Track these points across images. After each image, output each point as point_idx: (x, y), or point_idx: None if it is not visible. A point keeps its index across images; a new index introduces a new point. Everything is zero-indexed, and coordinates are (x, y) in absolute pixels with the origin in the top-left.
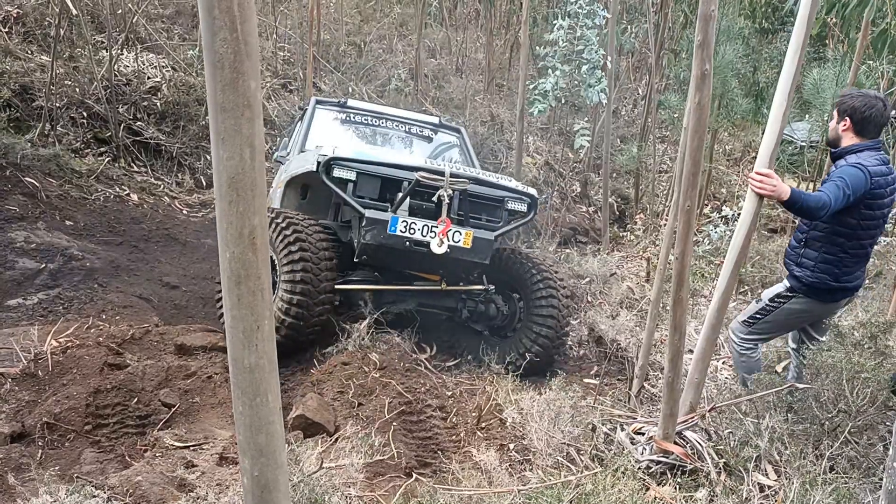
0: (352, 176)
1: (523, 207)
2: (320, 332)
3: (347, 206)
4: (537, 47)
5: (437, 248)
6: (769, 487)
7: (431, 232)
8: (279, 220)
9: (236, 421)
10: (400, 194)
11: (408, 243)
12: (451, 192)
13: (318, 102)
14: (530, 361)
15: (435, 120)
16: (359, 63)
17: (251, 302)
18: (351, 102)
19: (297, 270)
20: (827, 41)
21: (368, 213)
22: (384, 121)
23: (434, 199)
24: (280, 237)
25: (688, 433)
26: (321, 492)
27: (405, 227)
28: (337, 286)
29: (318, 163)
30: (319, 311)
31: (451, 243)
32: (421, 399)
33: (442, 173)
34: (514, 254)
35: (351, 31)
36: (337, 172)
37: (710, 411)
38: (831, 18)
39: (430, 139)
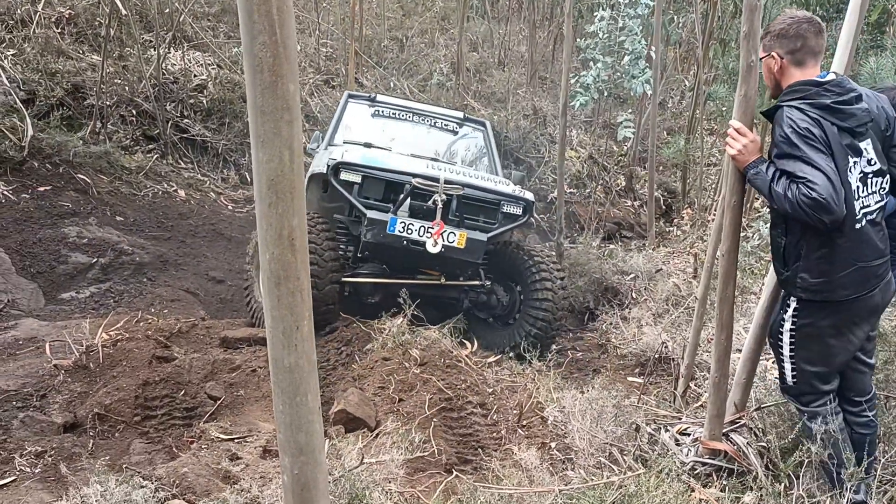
0: (357, 178)
1: (518, 210)
2: (328, 322)
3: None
4: (579, 39)
5: (432, 248)
6: (821, 493)
7: (427, 233)
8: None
9: (276, 419)
10: (402, 196)
11: (405, 242)
12: (444, 197)
13: (349, 97)
14: (530, 343)
15: (460, 115)
16: (400, 58)
17: (291, 303)
18: (380, 97)
19: None
20: (886, 28)
21: (370, 213)
22: (411, 115)
23: (430, 202)
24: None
25: (734, 435)
26: (362, 487)
27: (403, 227)
28: (344, 278)
29: (328, 166)
30: (325, 302)
31: (446, 243)
32: (461, 395)
33: (437, 179)
34: (513, 247)
35: (393, 25)
36: (344, 175)
37: (757, 412)
38: (893, 5)
39: (455, 132)
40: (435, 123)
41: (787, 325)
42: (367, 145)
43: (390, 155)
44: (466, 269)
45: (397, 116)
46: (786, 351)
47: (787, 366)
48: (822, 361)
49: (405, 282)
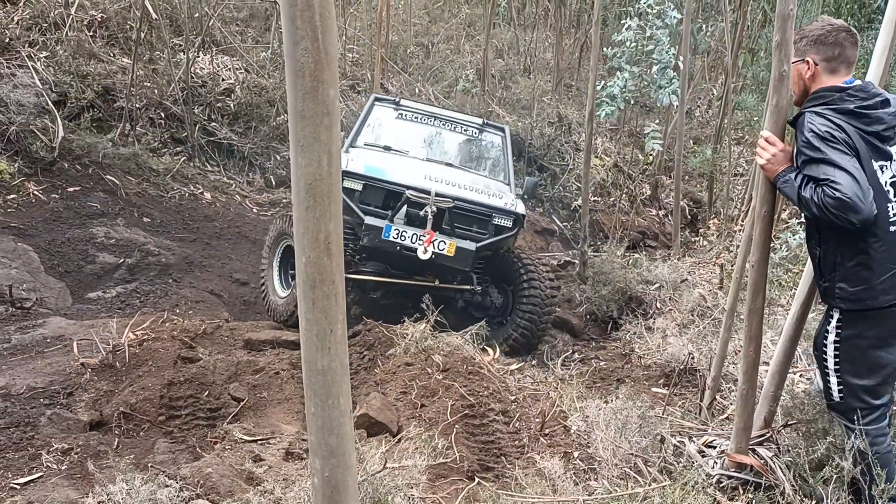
0: (359, 186)
1: (509, 223)
2: None
3: None
4: (606, 48)
5: (423, 255)
6: None
7: (419, 240)
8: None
9: (308, 422)
10: (398, 205)
11: (398, 248)
12: (434, 209)
13: (376, 99)
14: (517, 341)
15: (479, 120)
16: (426, 64)
17: (325, 306)
18: (405, 102)
19: None
20: None
21: (368, 219)
22: (433, 119)
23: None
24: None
25: (761, 449)
26: (384, 492)
27: (397, 234)
28: (347, 274)
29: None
30: None
31: (436, 251)
32: (484, 402)
33: (429, 192)
34: (507, 253)
35: (419, 31)
36: (346, 183)
37: (784, 427)
38: None
39: (473, 138)
40: (455, 128)
41: (832, 337)
42: (387, 148)
43: (395, 164)
44: (457, 274)
45: (419, 120)
46: (830, 364)
47: (833, 380)
48: (869, 373)
49: (401, 281)
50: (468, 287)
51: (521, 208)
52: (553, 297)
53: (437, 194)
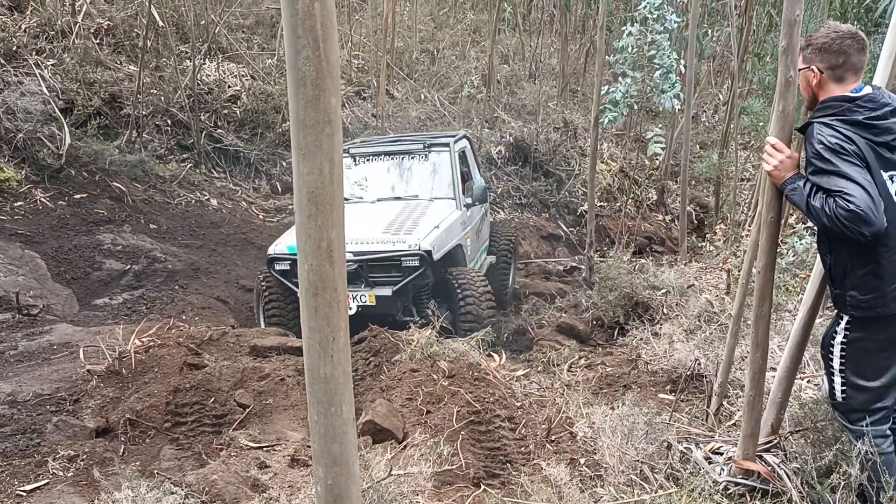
0: (287, 266)
1: (416, 262)
2: None
3: None
4: (608, 56)
5: (349, 311)
6: None
7: None
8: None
9: (311, 430)
10: None
11: None
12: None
13: None
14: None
15: (422, 143)
16: (431, 70)
17: (328, 313)
18: (355, 148)
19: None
20: None
21: (298, 290)
22: (382, 156)
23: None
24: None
25: (768, 456)
26: (389, 499)
27: None
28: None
29: (269, 260)
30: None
31: (360, 304)
32: (489, 409)
33: None
34: (448, 275)
35: (424, 37)
36: (278, 266)
37: (792, 434)
38: None
39: (420, 162)
40: (402, 159)
41: (839, 338)
42: (345, 200)
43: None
44: (388, 317)
45: (371, 160)
46: (836, 364)
47: (837, 380)
48: (874, 376)
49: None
50: (410, 318)
51: (426, 245)
52: (490, 315)
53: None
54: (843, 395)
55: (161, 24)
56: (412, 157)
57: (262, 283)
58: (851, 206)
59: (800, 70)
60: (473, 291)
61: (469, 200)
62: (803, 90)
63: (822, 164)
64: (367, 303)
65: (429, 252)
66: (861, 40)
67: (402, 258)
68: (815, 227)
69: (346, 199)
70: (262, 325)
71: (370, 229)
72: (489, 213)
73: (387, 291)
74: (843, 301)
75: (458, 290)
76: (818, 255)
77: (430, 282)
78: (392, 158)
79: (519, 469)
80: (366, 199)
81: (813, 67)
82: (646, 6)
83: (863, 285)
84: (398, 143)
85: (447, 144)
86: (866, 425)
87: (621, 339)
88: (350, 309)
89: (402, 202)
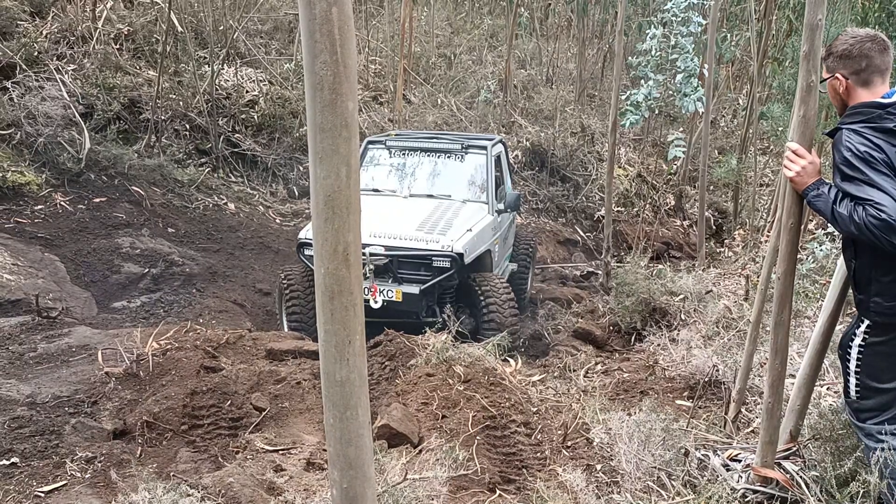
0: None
1: (447, 264)
2: None
3: None
4: (630, 57)
5: (374, 305)
6: None
7: (368, 293)
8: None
9: (327, 433)
10: None
11: None
12: (372, 266)
13: (369, 143)
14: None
15: (461, 143)
16: (448, 74)
17: (344, 317)
18: (392, 140)
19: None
20: None
21: None
22: (419, 152)
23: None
24: (284, 287)
25: (786, 463)
26: (405, 503)
27: None
28: None
29: (298, 245)
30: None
31: (386, 299)
32: (505, 414)
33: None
34: (472, 280)
35: (441, 43)
36: (306, 252)
37: (811, 441)
38: None
39: (456, 162)
40: (439, 156)
41: (857, 341)
42: (376, 191)
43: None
44: (412, 315)
45: (407, 155)
46: (852, 365)
47: (852, 380)
48: (890, 379)
49: (380, 319)
50: (432, 319)
51: (458, 247)
52: (513, 323)
53: (371, 254)
54: (857, 394)
55: (180, 29)
56: (448, 157)
57: (284, 282)
58: (883, 216)
59: (825, 80)
60: (497, 298)
61: (501, 206)
62: (832, 99)
63: (850, 171)
64: (394, 298)
65: (461, 255)
66: (882, 41)
67: (434, 258)
68: (837, 233)
69: (377, 191)
70: (285, 326)
71: (404, 225)
72: (515, 220)
73: (414, 289)
74: (867, 306)
75: (482, 297)
76: (839, 261)
77: (455, 284)
78: (428, 155)
79: (535, 475)
80: (398, 192)
81: (838, 76)
82: (671, 8)
83: (887, 291)
84: (436, 140)
85: (485, 147)
86: (876, 424)
87: (638, 344)
88: (375, 303)
89: (434, 201)
